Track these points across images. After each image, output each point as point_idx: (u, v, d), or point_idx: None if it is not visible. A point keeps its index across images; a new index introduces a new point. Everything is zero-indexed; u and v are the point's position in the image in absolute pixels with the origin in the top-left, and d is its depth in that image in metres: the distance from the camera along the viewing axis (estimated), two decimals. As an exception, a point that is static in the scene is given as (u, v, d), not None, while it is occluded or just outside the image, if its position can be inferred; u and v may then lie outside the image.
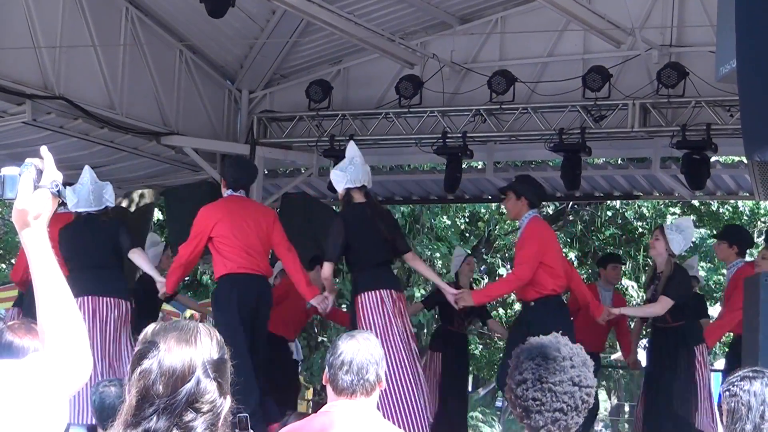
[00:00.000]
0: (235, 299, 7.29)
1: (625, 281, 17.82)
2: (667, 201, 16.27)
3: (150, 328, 2.28)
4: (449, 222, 17.29)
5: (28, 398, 2.05)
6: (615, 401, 23.88)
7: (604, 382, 16.42)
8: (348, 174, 7.31)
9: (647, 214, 17.75)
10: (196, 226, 7.52)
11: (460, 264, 9.92)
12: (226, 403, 2.23)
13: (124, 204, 12.03)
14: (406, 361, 7.00)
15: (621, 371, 22.01)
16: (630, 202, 16.62)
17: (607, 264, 10.02)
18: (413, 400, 6.90)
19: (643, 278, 17.91)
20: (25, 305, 8.28)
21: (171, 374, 2.17)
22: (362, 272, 7.31)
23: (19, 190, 2.19)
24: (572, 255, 17.66)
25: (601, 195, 11.85)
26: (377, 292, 7.14)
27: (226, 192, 7.68)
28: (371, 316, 7.09)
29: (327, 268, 7.43)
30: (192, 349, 2.21)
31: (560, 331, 2.94)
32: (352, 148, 7.47)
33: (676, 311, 7.81)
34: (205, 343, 2.24)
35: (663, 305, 7.77)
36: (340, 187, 7.37)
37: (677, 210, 17.89)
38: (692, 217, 18.21)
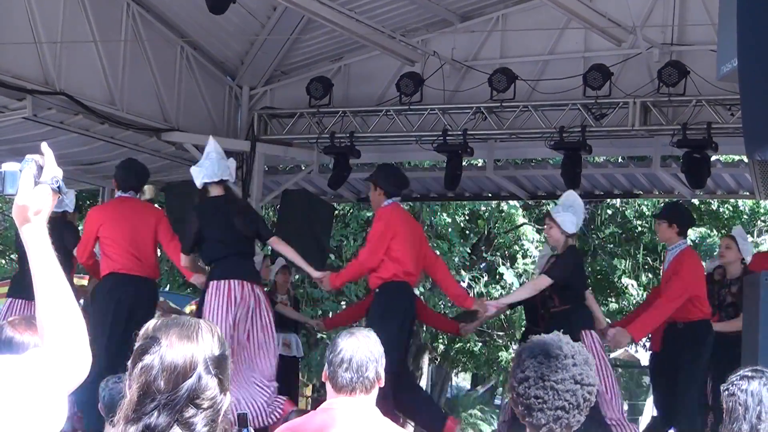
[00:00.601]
0: (115, 298, 7.57)
1: (625, 280, 17.82)
2: (667, 200, 16.27)
3: (151, 324, 2.28)
4: (449, 219, 17.28)
5: (27, 394, 2.05)
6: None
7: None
8: (204, 169, 7.48)
9: (647, 213, 17.73)
10: (85, 227, 7.82)
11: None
12: (226, 400, 2.23)
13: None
14: (245, 352, 7.23)
15: (620, 370, 22.03)
16: (630, 200, 16.61)
17: None
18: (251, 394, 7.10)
19: (643, 277, 17.93)
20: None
21: (173, 370, 2.17)
22: (215, 263, 7.50)
23: (19, 186, 2.19)
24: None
25: (602, 193, 11.85)
26: (227, 282, 7.29)
27: (117, 193, 8.00)
28: (216, 305, 7.24)
29: (183, 259, 7.63)
30: (193, 345, 2.21)
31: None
32: (210, 144, 7.67)
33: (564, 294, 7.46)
34: (207, 339, 2.24)
35: (538, 284, 7.55)
36: (198, 182, 7.57)
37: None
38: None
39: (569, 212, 7.45)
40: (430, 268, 7.77)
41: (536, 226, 18.65)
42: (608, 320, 9.48)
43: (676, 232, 7.61)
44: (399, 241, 7.32)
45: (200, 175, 7.49)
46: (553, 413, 2.73)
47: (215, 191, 7.51)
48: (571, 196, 7.70)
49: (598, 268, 18.25)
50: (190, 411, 2.16)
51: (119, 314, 7.47)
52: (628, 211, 18.15)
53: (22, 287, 8.03)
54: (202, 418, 2.17)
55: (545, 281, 7.39)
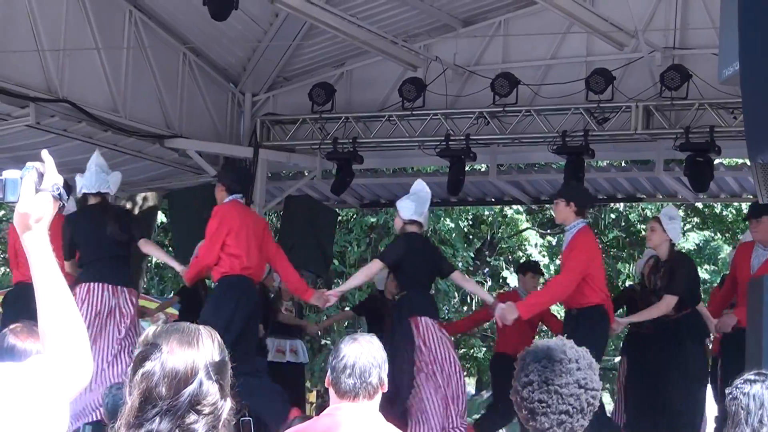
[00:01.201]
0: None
1: (629, 284, 17.78)
2: (670, 203, 16.25)
3: (151, 330, 2.28)
4: (453, 225, 17.28)
5: (29, 401, 2.05)
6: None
7: (608, 385, 16.41)
8: (84, 180, 7.99)
9: (650, 217, 17.71)
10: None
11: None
12: (227, 405, 2.23)
13: (127, 206, 12.04)
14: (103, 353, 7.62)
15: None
16: (633, 204, 16.60)
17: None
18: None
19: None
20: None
21: (174, 376, 2.17)
22: (83, 267, 7.95)
23: (20, 194, 2.19)
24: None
25: (605, 197, 11.84)
26: (96, 284, 7.77)
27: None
28: (86, 306, 7.63)
29: (66, 265, 7.87)
30: (194, 351, 2.21)
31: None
32: (92, 158, 8.11)
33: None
34: (207, 345, 2.24)
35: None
36: (78, 191, 8.00)
37: (680, 212, 17.86)
38: (695, 219, 18.22)
39: (409, 199, 7.75)
40: (272, 261, 8.11)
41: (540, 230, 18.64)
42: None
43: (573, 212, 7.54)
44: (233, 237, 7.65)
45: (80, 185, 7.99)
46: (556, 417, 2.73)
47: (92, 201, 8.06)
48: (418, 185, 7.89)
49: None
50: (192, 417, 2.17)
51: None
52: (632, 215, 18.14)
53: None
54: (204, 424, 2.18)
55: (375, 264, 7.92)
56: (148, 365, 2.19)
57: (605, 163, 12.03)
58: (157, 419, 2.15)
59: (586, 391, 2.75)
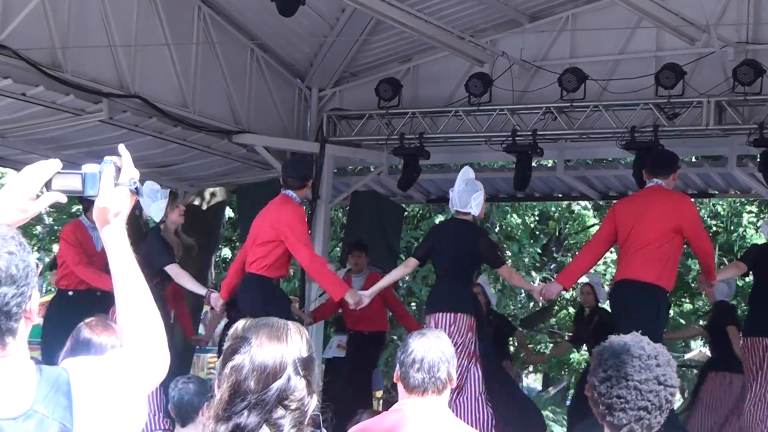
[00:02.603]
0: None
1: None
2: (743, 199, 16.00)
3: (240, 324, 2.30)
4: (519, 221, 17.19)
5: (110, 395, 2.08)
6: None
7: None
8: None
9: (722, 213, 17.45)
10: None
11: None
12: (313, 402, 2.24)
13: (196, 202, 12.18)
14: None
15: (695, 371, 21.68)
16: (705, 200, 16.36)
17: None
18: None
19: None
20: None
21: (263, 370, 2.19)
22: None
23: (99, 188, 2.23)
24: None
25: (675, 193, 11.68)
26: None
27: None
28: None
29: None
30: (283, 346, 2.23)
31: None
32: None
33: None
34: (296, 341, 2.25)
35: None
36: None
37: (753, 209, 17.58)
38: None
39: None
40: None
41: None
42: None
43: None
44: None
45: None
46: (635, 413, 2.71)
47: None
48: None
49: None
50: (279, 412, 2.18)
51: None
52: (703, 211, 17.88)
53: None
54: (290, 419, 2.19)
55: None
56: (238, 358, 2.21)
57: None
58: (246, 412, 2.17)
59: (665, 387, 2.74)
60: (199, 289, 8.00)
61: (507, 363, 10.24)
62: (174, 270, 7.77)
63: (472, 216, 7.48)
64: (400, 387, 3.95)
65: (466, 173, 7.59)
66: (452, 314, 7.27)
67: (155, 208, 7.82)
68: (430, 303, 7.70)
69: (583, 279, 10.48)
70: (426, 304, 7.88)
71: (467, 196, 7.41)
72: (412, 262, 7.76)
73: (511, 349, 13.52)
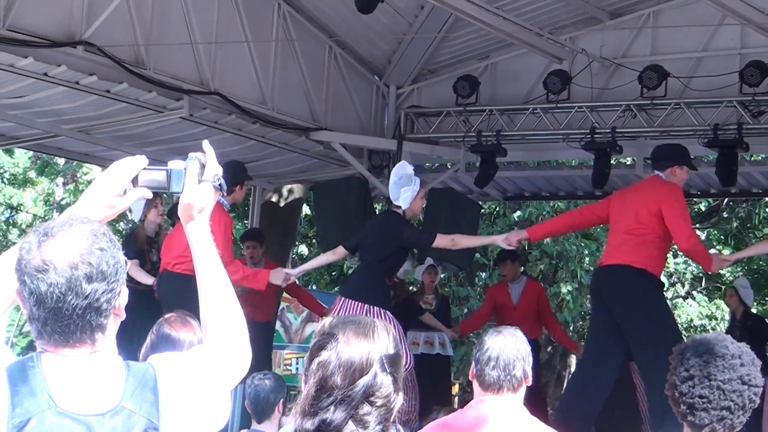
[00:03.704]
0: None
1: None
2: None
3: (327, 321, 2.32)
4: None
5: (195, 391, 2.10)
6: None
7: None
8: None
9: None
10: None
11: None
12: (399, 399, 2.25)
13: (273, 199, 12.28)
14: None
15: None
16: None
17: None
18: None
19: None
20: None
21: (349, 366, 2.20)
22: None
23: (185, 184, 2.26)
24: (727, 252, 17.14)
25: (759, 191, 11.46)
26: None
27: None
28: None
29: None
30: (370, 342, 2.24)
31: None
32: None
33: None
34: (383, 338, 2.26)
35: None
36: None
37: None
38: None
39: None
40: None
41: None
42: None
43: None
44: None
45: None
46: (717, 413, 2.67)
47: None
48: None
49: (755, 267, 17.68)
50: (365, 408, 2.19)
51: None
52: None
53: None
54: (376, 416, 2.20)
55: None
56: (325, 354, 2.22)
57: (761, 157, 11.63)
58: (332, 408, 2.18)
59: (749, 387, 2.70)
60: (147, 279, 8.18)
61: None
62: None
63: (403, 210, 7.55)
64: (475, 384, 3.94)
65: (401, 168, 7.61)
66: (364, 305, 7.35)
67: (136, 208, 8.29)
68: (344, 286, 7.79)
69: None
70: (341, 285, 7.93)
71: (396, 190, 7.51)
72: (340, 251, 7.83)
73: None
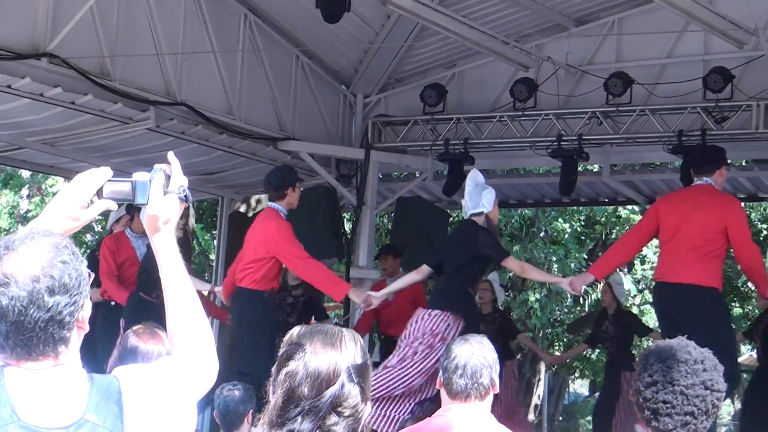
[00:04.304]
0: None
1: (751, 284, 17.35)
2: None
3: (295, 331, 2.31)
4: (566, 225, 17.10)
5: (161, 402, 2.09)
6: (739, 406, 23.27)
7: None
8: None
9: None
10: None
11: None
12: (367, 409, 2.25)
13: (242, 209, 12.24)
14: None
15: (745, 375, 21.41)
16: (755, 204, 16.18)
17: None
18: None
19: None
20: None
21: (316, 377, 2.20)
22: None
23: (150, 196, 2.25)
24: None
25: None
26: None
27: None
28: None
29: None
30: (337, 353, 2.24)
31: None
32: None
33: None
34: (350, 348, 2.26)
35: None
36: None
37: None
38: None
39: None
40: None
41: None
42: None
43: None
44: None
45: None
46: (681, 418, 2.69)
47: None
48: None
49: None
50: (333, 418, 2.19)
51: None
52: (753, 214, 17.68)
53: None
54: (344, 426, 2.20)
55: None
56: (292, 365, 2.22)
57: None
58: (299, 419, 2.17)
59: (711, 392, 2.72)
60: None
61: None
62: None
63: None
64: (443, 393, 3.95)
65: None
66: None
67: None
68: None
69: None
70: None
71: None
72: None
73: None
